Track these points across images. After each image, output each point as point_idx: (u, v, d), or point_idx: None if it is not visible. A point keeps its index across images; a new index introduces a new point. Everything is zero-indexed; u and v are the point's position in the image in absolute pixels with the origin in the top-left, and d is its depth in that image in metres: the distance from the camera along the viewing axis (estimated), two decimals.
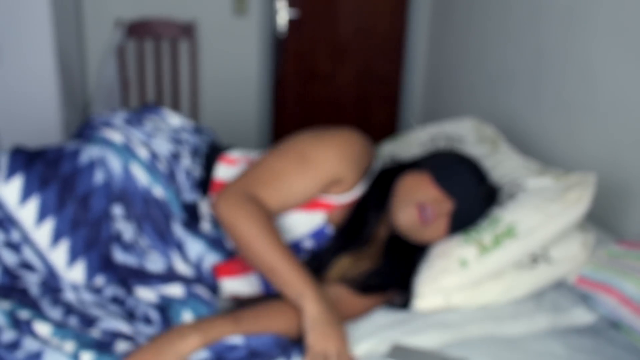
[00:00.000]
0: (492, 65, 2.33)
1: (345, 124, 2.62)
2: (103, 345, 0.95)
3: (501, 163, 1.36)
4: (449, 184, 1.14)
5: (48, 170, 1.09)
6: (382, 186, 1.20)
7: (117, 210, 1.11)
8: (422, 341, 1.04)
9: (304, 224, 1.18)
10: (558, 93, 1.81)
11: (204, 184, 1.21)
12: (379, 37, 3.31)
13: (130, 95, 2.98)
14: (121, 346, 0.96)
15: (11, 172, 1.08)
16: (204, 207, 1.18)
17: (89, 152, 1.14)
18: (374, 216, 1.19)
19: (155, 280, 1.08)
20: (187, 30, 2.91)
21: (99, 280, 1.08)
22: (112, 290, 1.08)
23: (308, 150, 1.14)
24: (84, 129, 1.24)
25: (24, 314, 0.97)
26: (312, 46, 3.31)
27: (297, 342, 1.03)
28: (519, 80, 2.08)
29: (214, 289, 1.14)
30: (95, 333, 0.97)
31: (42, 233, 1.06)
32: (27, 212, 1.06)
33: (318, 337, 0.99)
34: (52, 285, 1.06)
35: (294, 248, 1.20)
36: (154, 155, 1.17)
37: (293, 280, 1.03)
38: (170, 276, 1.10)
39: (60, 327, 0.96)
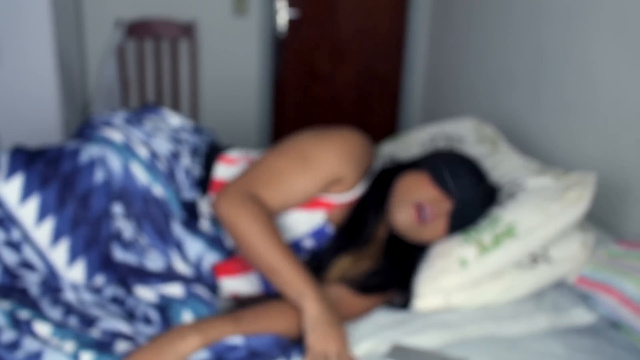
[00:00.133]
0: (492, 65, 2.33)
1: (345, 124, 2.62)
2: (103, 345, 0.95)
3: (501, 163, 1.36)
4: (447, 184, 1.14)
5: (48, 169, 1.09)
6: (381, 186, 1.20)
7: (117, 208, 1.11)
8: (422, 341, 1.04)
9: (304, 223, 1.19)
10: (558, 93, 1.81)
11: (204, 183, 1.21)
12: (379, 37, 3.31)
13: (130, 95, 2.98)
14: (121, 346, 0.96)
15: (11, 171, 1.08)
16: (204, 206, 1.18)
17: (89, 151, 1.14)
18: (373, 216, 1.19)
19: (154, 279, 1.08)
20: (187, 30, 2.91)
21: (99, 279, 1.08)
22: (112, 290, 1.08)
23: (309, 150, 1.14)
24: (84, 128, 1.24)
25: (24, 314, 0.97)
26: (312, 46, 3.31)
27: (297, 342, 1.03)
28: (519, 80, 2.08)
29: (213, 288, 1.14)
30: (95, 333, 0.97)
31: (42, 232, 1.06)
32: (27, 211, 1.06)
33: (318, 337, 0.99)
34: (52, 285, 1.06)
35: (294, 247, 1.20)
36: (154, 155, 1.17)
37: (293, 280, 1.02)
38: (169, 275, 1.10)
39: (60, 327, 0.96)
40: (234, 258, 1.17)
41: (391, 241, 1.21)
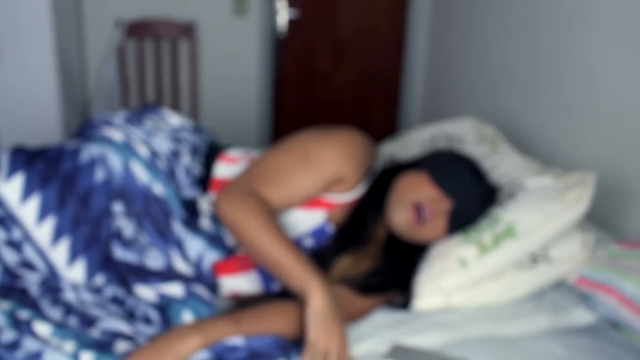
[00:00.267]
0: (492, 65, 2.33)
1: (345, 124, 2.62)
2: (103, 345, 0.95)
3: (501, 163, 1.36)
4: (446, 183, 1.14)
5: (49, 168, 1.09)
6: (381, 186, 1.20)
7: (118, 207, 1.11)
8: (422, 341, 1.04)
9: (304, 222, 1.19)
10: (558, 93, 1.81)
11: (204, 182, 1.21)
12: (379, 37, 3.31)
13: (130, 95, 2.98)
14: (121, 346, 0.96)
15: (12, 170, 1.08)
16: (204, 204, 1.18)
17: (90, 151, 1.14)
18: (373, 216, 1.19)
19: (154, 278, 1.08)
20: (187, 30, 2.91)
21: (99, 279, 1.08)
22: (112, 290, 1.08)
23: (311, 149, 1.14)
24: (85, 128, 1.24)
25: (24, 314, 0.97)
26: (312, 46, 3.31)
27: (297, 342, 1.03)
28: (519, 80, 2.08)
29: (213, 287, 1.14)
30: (95, 333, 0.97)
31: (42, 231, 1.06)
32: (28, 211, 1.06)
33: (320, 333, 0.98)
34: (52, 284, 1.06)
35: None
36: (154, 153, 1.18)
37: (298, 272, 1.02)
38: (169, 274, 1.10)
39: (60, 327, 0.96)
40: (235, 256, 1.17)
41: (391, 241, 1.22)
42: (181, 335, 0.95)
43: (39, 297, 1.03)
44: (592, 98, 1.63)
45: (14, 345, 0.92)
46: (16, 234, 1.06)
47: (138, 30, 2.87)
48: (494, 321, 1.11)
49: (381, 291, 1.16)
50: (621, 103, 1.51)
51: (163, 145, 1.20)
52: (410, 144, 1.55)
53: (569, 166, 1.70)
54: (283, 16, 3.21)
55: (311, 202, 1.17)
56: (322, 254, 1.18)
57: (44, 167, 1.09)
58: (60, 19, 2.51)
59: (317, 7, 3.23)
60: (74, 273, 1.07)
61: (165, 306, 1.05)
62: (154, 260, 1.10)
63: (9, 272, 1.05)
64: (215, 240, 1.15)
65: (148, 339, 0.99)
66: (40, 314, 0.99)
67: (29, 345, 0.93)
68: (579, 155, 1.69)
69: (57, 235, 1.07)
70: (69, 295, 1.05)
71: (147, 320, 1.03)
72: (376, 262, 1.20)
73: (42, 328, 0.95)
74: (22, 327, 0.95)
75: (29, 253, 1.06)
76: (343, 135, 1.16)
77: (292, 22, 3.24)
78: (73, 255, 1.07)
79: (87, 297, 1.05)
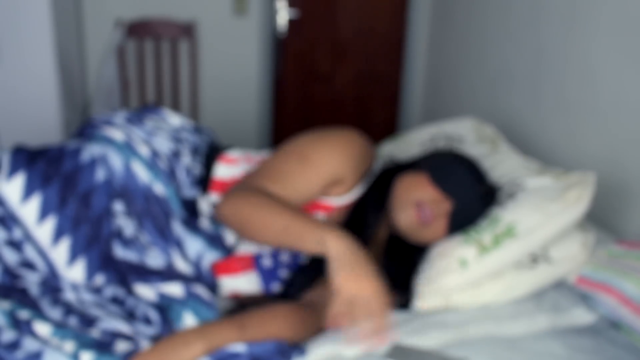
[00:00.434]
0: (492, 65, 2.33)
1: (345, 124, 2.61)
2: (103, 345, 0.95)
3: (501, 163, 1.36)
4: (446, 184, 1.14)
5: (50, 168, 1.09)
6: (381, 187, 1.20)
7: (118, 206, 1.11)
8: (422, 341, 1.04)
9: None
10: (558, 93, 1.81)
11: (204, 182, 1.21)
12: (379, 37, 3.31)
13: (130, 95, 2.98)
14: (121, 346, 0.96)
15: (13, 170, 1.08)
16: (204, 204, 1.18)
17: (90, 150, 1.14)
18: (373, 217, 1.19)
19: (155, 277, 1.08)
20: (187, 30, 2.91)
21: (99, 279, 1.08)
22: (112, 290, 1.08)
23: (309, 150, 1.14)
24: (85, 128, 1.24)
25: (24, 314, 0.97)
26: (312, 46, 3.31)
27: (297, 343, 1.03)
28: (519, 80, 2.08)
29: (213, 287, 1.14)
30: (95, 333, 0.97)
31: (43, 231, 1.06)
32: (29, 210, 1.06)
33: (346, 279, 0.90)
34: (52, 284, 1.06)
35: (292, 250, 1.19)
36: (155, 153, 1.18)
37: (308, 229, 0.99)
38: (170, 274, 1.10)
39: (60, 327, 0.96)
40: (234, 257, 1.17)
41: (392, 242, 1.21)
42: (185, 341, 0.95)
43: (39, 297, 1.03)
44: (592, 98, 1.63)
45: (14, 345, 0.93)
46: (17, 234, 1.06)
47: (138, 30, 2.87)
48: (494, 321, 1.11)
49: None
50: (621, 103, 1.51)
51: (164, 145, 1.20)
52: (410, 144, 1.55)
53: (569, 166, 1.70)
54: (283, 16, 3.21)
55: (309, 205, 1.17)
56: (322, 257, 1.18)
57: (45, 166, 1.09)
58: (60, 19, 2.51)
59: (317, 7, 3.24)
60: (74, 273, 1.07)
61: (165, 307, 1.05)
62: (155, 259, 1.10)
63: (9, 272, 1.05)
64: (214, 240, 1.15)
65: (148, 339, 0.99)
66: (40, 314, 0.99)
67: (29, 345, 0.93)
68: (579, 155, 1.69)
69: (58, 235, 1.07)
70: (69, 295, 1.05)
71: (147, 321, 1.03)
72: (376, 263, 1.20)
73: (42, 328, 0.95)
74: (22, 327, 0.95)
75: (30, 253, 1.06)
76: (341, 136, 1.16)
77: (292, 22, 3.24)
78: (73, 255, 1.07)
79: (87, 297, 1.05)
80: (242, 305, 1.16)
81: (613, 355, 1.03)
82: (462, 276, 1.13)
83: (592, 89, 1.63)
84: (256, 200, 1.04)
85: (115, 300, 1.07)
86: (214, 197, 1.19)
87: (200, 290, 1.09)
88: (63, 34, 2.56)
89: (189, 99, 3.03)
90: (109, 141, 1.16)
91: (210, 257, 1.14)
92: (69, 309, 1.01)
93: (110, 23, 2.91)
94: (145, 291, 1.08)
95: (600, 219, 1.53)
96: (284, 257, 1.17)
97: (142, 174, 1.14)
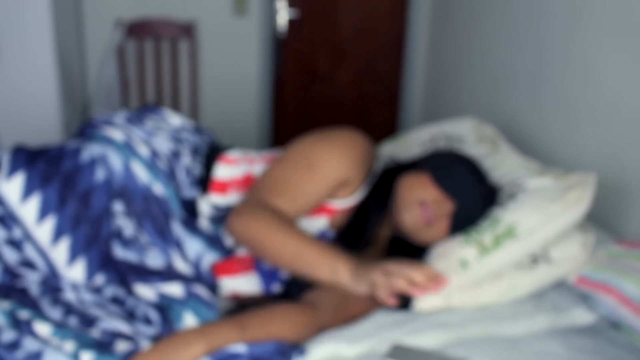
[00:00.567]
0: (492, 65, 2.33)
1: (345, 124, 2.61)
2: (103, 345, 0.95)
3: (501, 163, 1.36)
4: (448, 185, 1.14)
5: (49, 168, 1.09)
6: (383, 187, 1.20)
7: (118, 206, 1.11)
8: (422, 341, 1.04)
9: (306, 228, 1.18)
10: (558, 93, 1.81)
11: (204, 182, 1.21)
12: (379, 37, 3.31)
13: (130, 95, 2.98)
14: (121, 346, 0.96)
15: (13, 169, 1.08)
16: (203, 205, 1.18)
17: (90, 150, 1.14)
18: (375, 217, 1.19)
19: (154, 277, 1.08)
20: (187, 30, 2.91)
21: (99, 279, 1.08)
22: (112, 290, 1.08)
23: (314, 155, 1.13)
24: (85, 128, 1.24)
25: (24, 314, 0.97)
26: (312, 46, 3.31)
27: (297, 344, 1.03)
28: (519, 80, 2.08)
29: (213, 288, 1.14)
30: (95, 333, 0.97)
31: (43, 231, 1.06)
32: (28, 210, 1.06)
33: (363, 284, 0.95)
34: (52, 284, 1.06)
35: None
36: (155, 153, 1.17)
37: (320, 258, 0.99)
38: (169, 274, 1.10)
39: (60, 327, 0.96)
40: (234, 257, 1.17)
41: (393, 243, 1.21)
42: (185, 341, 0.95)
43: (39, 297, 1.03)
44: (592, 98, 1.63)
45: (14, 345, 0.93)
46: (16, 233, 1.06)
47: (138, 30, 2.87)
48: (494, 321, 1.11)
49: None
50: (621, 103, 1.51)
51: (164, 145, 1.20)
52: (410, 144, 1.55)
53: (569, 166, 1.70)
54: (283, 16, 3.21)
55: (314, 209, 1.17)
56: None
57: (45, 166, 1.09)
58: (60, 19, 2.51)
59: (317, 7, 3.23)
60: (74, 272, 1.07)
61: (165, 307, 1.05)
62: (154, 259, 1.10)
63: (9, 272, 1.05)
64: (214, 241, 1.15)
65: (148, 339, 0.99)
66: (40, 314, 0.99)
67: (29, 345, 0.93)
68: (579, 155, 1.69)
69: (58, 235, 1.07)
70: (69, 295, 1.05)
71: (147, 321, 1.03)
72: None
73: (42, 328, 0.95)
74: (22, 327, 0.95)
75: (30, 252, 1.06)
76: (344, 138, 1.16)
77: (292, 22, 3.24)
78: (73, 255, 1.07)
79: (87, 297, 1.05)
80: (242, 305, 1.16)
81: (613, 355, 1.03)
82: (463, 276, 1.13)
83: (592, 89, 1.63)
84: (267, 223, 1.03)
85: (116, 300, 1.07)
86: (213, 197, 1.19)
87: (201, 290, 1.09)
88: (63, 34, 2.56)
89: (189, 99, 3.03)
90: (109, 141, 1.16)
91: (209, 257, 1.14)
92: (69, 309, 1.01)
93: (110, 23, 2.91)
94: (145, 291, 1.07)
95: (600, 219, 1.53)
96: None
97: (141, 174, 1.14)
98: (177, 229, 1.13)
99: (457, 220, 1.15)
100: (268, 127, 3.34)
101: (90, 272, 1.08)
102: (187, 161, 1.21)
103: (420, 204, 1.14)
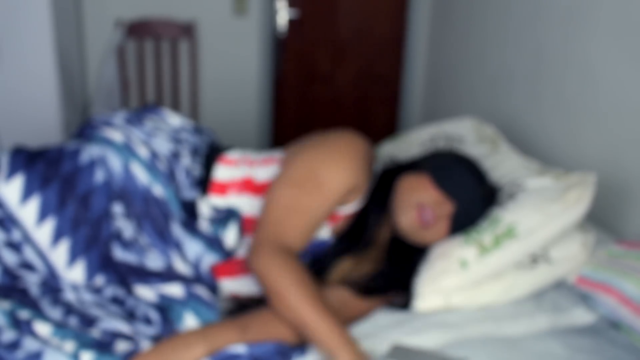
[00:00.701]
0: (492, 66, 2.33)
1: (345, 125, 2.60)
2: (103, 345, 0.95)
3: (501, 163, 1.36)
4: (448, 186, 1.14)
5: (49, 169, 1.09)
6: (382, 188, 1.20)
7: (117, 208, 1.11)
8: (422, 341, 1.04)
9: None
10: (558, 93, 1.81)
11: (204, 183, 1.21)
12: (379, 38, 3.31)
13: (130, 96, 2.98)
14: (121, 346, 0.96)
15: (12, 171, 1.08)
16: (203, 206, 1.18)
17: (90, 152, 1.14)
18: (374, 219, 1.19)
19: (154, 278, 1.08)
20: (187, 30, 2.91)
21: (99, 280, 1.08)
22: (112, 290, 1.08)
23: (320, 172, 1.11)
24: (85, 128, 1.24)
25: (24, 314, 0.97)
26: (312, 46, 3.31)
27: (298, 344, 1.03)
28: (519, 80, 2.08)
29: (213, 289, 1.14)
30: (95, 333, 0.97)
31: (42, 232, 1.06)
32: (27, 212, 1.06)
33: None
34: (52, 285, 1.06)
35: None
36: (154, 155, 1.17)
37: (327, 337, 0.96)
38: (169, 275, 1.10)
39: (60, 327, 0.96)
40: (234, 259, 1.17)
41: (393, 243, 1.21)
42: (186, 343, 0.95)
43: (39, 297, 1.03)
44: (592, 98, 1.63)
45: (14, 345, 0.93)
46: (16, 235, 1.06)
47: (138, 30, 2.87)
48: (494, 321, 1.11)
49: (382, 293, 1.16)
50: (621, 103, 1.51)
51: (163, 146, 1.20)
52: (410, 144, 1.55)
53: (569, 166, 1.70)
54: (283, 16, 3.21)
55: None
56: (323, 258, 1.18)
57: (44, 168, 1.09)
58: (60, 19, 2.51)
59: (317, 7, 3.24)
60: (74, 274, 1.07)
61: (166, 307, 1.05)
62: (154, 261, 1.10)
63: (9, 273, 1.05)
64: (213, 242, 1.14)
65: (148, 339, 0.99)
66: (41, 314, 0.99)
67: (29, 345, 0.93)
68: (579, 155, 1.69)
69: (57, 236, 1.07)
70: (69, 296, 1.05)
71: (147, 321, 1.03)
72: (377, 265, 1.20)
73: (42, 328, 0.95)
74: (22, 327, 0.95)
75: (29, 254, 1.06)
76: (346, 145, 1.14)
77: (292, 22, 3.24)
78: (73, 256, 1.07)
79: (87, 297, 1.05)
80: (242, 305, 1.16)
81: (613, 355, 1.03)
82: (463, 277, 1.13)
83: (592, 89, 1.63)
84: (289, 279, 1.01)
85: (116, 301, 1.07)
86: (213, 199, 1.19)
87: (201, 290, 1.09)
88: (63, 34, 2.56)
89: (189, 99, 3.03)
90: (108, 142, 1.16)
91: (209, 259, 1.14)
92: (69, 309, 1.01)
93: (110, 23, 2.91)
94: (146, 292, 1.07)
95: (600, 219, 1.53)
96: None
97: (141, 175, 1.14)
98: (177, 230, 1.13)
99: (457, 221, 1.15)
100: (268, 127, 3.34)
101: (90, 274, 1.08)
102: (187, 162, 1.21)
103: (417, 206, 1.13)
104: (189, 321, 1.02)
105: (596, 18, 1.62)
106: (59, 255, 1.07)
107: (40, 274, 1.07)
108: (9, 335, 0.94)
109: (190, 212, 1.17)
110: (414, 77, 3.27)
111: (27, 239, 1.06)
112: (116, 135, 1.18)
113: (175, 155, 1.20)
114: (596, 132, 1.61)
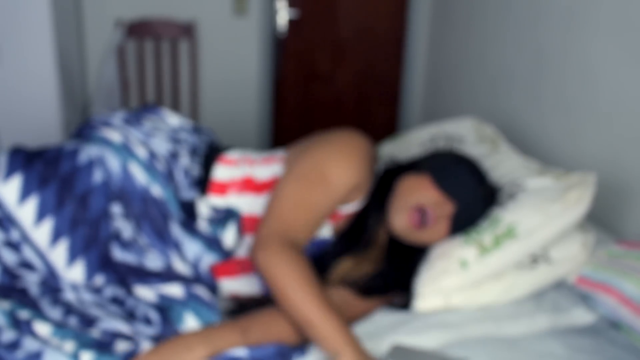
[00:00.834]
0: (492, 65, 2.33)
1: (345, 124, 2.60)
2: (103, 345, 0.95)
3: (501, 163, 1.36)
4: (449, 186, 1.13)
5: (47, 169, 1.09)
6: (382, 188, 1.20)
7: (116, 208, 1.11)
8: (422, 341, 1.04)
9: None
10: (558, 93, 1.81)
11: (203, 183, 1.21)
12: (379, 37, 3.31)
13: (130, 95, 2.98)
14: (121, 346, 0.96)
15: (10, 171, 1.08)
16: (202, 206, 1.17)
17: (88, 152, 1.14)
18: (374, 219, 1.19)
19: (154, 279, 1.08)
20: (187, 30, 2.91)
21: (99, 279, 1.08)
22: (111, 290, 1.08)
23: (326, 169, 1.11)
24: (83, 128, 1.24)
25: (24, 314, 0.97)
26: (312, 46, 3.31)
27: (299, 345, 1.03)
28: (519, 80, 2.08)
29: (212, 289, 1.14)
30: (95, 333, 0.97)
31: (41, 232, 1.06)
32: (26, 212, 1.06)
33: None
34: (52, 285, 1.06)
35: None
36: (153, 155, 1.17)
37: (330, 336, 0.96)
38: (169, 275, 1.10)
39: (60, 327, 0.96)
40: (234, 259, 1.17)
41: (393, 244, 1.21)
42: (187, 345, 0.95)
43: (38, 297, 1.03)
44: (592, 98, 1.63)
45: (14, 345, 0.93)
46: (14, 235, 1.06)
47: (138, 30, 2.87)
48: (494, 321, 1.11)
49: (382, 293, 1.16)
50: (621, 103, 1.51)
51: (162, 146, 1.20)
52: (410, 144, 1.55)
53: (569, 166, 1.70)
54: (283, 16, 3.21)
55: None
56: (323, 258, 1.18)
57: (42, 168, 1.09)
58: (60, 19, 2.51)
59: (317, 7, 3.24)
60: (74, 273, 1.07)
61: (166, 307, 1.05)
62: (153, 261, 1.10)
63: (9, 272, 1.05)
64: (212, 243, 1.14)
65: (148, 340, 0.98)
66: (40, 314, 0.99)
67: (29, 345, 0.93)
68: (579, 155, 1.69)
69: (56, 236, 1.06)
70: (69, 295, 1.05)
71: (147, 321, 1.03)
72: (377, 265, 1.20)
73: (42, 328, 0.95)
74: (22, 327, 0.95)
75: (28, 254, 1.06)
76: (351, 143, 1.14)
77: (292, 22, 3.24)
78: (72, 256, 1.07)
79: (87, 297, 1.05)
80: (242, 305, 1.16)
81: (613, 355, 1.02)
82: (463, 277, 1.13)
83: (592, 88, 1.63)
84: (294, 274, 1.00)
85: (115, 301, 1.06)
86: (212, 199, 1.19)
87: (201, 291, 1.09)
88: (63, 34, 2.56)
89: (189, 99, 3.03)
90: (107, 143, 1.16)
91: (208, 259, 1.13)
92: (69, 309, 1.01)
93: (110, 23, 2.91)
94: (145, 292, 1.07)
95: (600, 219, 1.53)
96: None
97: (139, 175, 1.14)
98: (176, 230, 1.13)
99: (457, 221, 1.15)
100: (268, 127, 3.34)
101: (90, 274, 1.08)
102: (186, 162, 1.21)
103: (417, 207, 1.13)
104: (190, 322, 1.02)
105: (596, 18, 1.62)
106: (58, 255, 1.07)
107: (40, 273, 1.06)
108: (9, 335, 0.94)
109: (189, 212, 1.17)
110: (414, 77, 3.27)
111: (26, 238, 1.06)
112: (114, 136, 1.18)
113: (173, 156, 1.20)
114: (596, 132, 1.61)
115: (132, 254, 1.10)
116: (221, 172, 1.22)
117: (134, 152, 1.16)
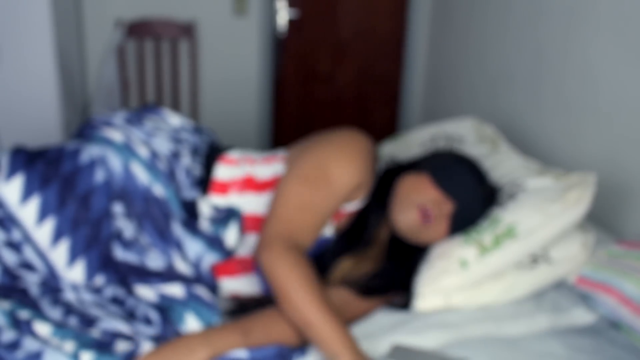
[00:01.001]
0: (492, 65, 2.33)
1: (345, 125, 2.60)
2: (103, 345, 0.95)
3: (501, 163, 1.36)
4: (449, 186, 1.14)
5: (49, 169, 1.09)
6: (383, 188, 1.20)
7: (118, 208, 1.11)
8: (422, 341, 1.04)
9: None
10: (558, 93, 1.81)
11: (204, 183, 1.21)
12: (379, 38, 3.31)
13: (130, 95, 2.98)
14: (121, 346, 0.96)
15: (12, 171, 1.08)
16: (203, 206, 1.17)
17: (90, 151, 1.14)
18: (375, 218, 1.19)
19: (155, 278, 1.08)
20: (187, 30, 2.91)
21: (99, 280, 1.08)
22: (112, 290, 1.08)
23: (328, 169, 1.12)
24: (85, 128, 1.24)
25: (24, 314, 0.97)
26: (312, 46, 3.31)
27: (299, 345, 1.03)
28: (519, 80, 2.08)
29: (213, 289, 1.14)
30: (95, 333, 0.97)
31: (42, 232, 1.06)
32: (27, 212, 1.06)
33: None
34: (52, 285, 1.06)
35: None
36: (154, 154, 1.17)
37: (330, 339, 0.96)
38: (170, 275, 1.10)
39: (60, 327, 0.96)
40: (234, 259, 1.17)
41: (393, 243, 1.21)
42: (188, 347, 0.95)
43: (39, 297, 1.03)
44: (592, 98, 1.63)
45: (14, 345, 0.93)
46: (16, 235, 1.06)
47: (138, 30, 2.87)
48: (494, 321, 1.11)
49: (382, 293, 1.16)
50: (621, 103, 1.51)
51: (163, 146, 1.20)
52: (410, 144, 1.55)
53: (569, 166, 1.70)
54: (283, 16, 3.21)
55: None
56: (323, 257, 1.18)
57: (44, 167, 1.09)
58: (60, 19, 2.51)
59: (317, 7, 3.24)
60: (74, 274, 1.07)
61: (166, 307, 1.05)
62: (155, 260, 1.10)
63: (9, 273, 1.05)
64: (214, 242, 1.14)
65: (148, 339, 0.98)
66: (40, 314, 0.99)
67: (29, 345, 0.93)
68: (579, 155, 1.69)
69: (57, 236, 1.06)
70: (69, 296, 1.05)
71: (147, 321, 1.03)
72: (377, 264, 1.20)
73: (42, 328, 0.95)
74: (22, 327, 0.95)
75: (29, 254, 1.06)
76: (353, 142, 1.15)
77: (292, 22, 3.24)
78: (73, 256, 1.07)
79: (87, 297, 1.05)
80: (242, 305, 1.16)
81: (613, 355, 1.03)
82: (463, 276, 1.13)
83: (592, 88, 1.63)
84: (297, 277, 1.00)
85: (116, 301, 1.06)
86: (214, 198, 1.19)
87: (201, 291, 1.09)
88: (63, 34, 2.56)
89: (189, 99, 3.03)
90: (108, 142, 1.16)
91: (209, 258, 1.14)
92: (69, 309, 1.01)
93: (110, 23, 2.91)
94: (146, 292, 1.07)
95: (600, 219, 1.53)
96: None
97: (141, 175, 1.14)
98: (178, 230, 1.13)
99: (457, 221, 1.15)
100: (268, 127, 3.34)
101: (90, 274, 1.08)
102: (187, 162, 1.21)
103: (418, 206, 1.13)
104: (190, 322, 1.02)
105: (596, 18, 1.62)
106: (59, 255, 1.07)
107: (40, 273, 1.06)
108: (9, 335, 0.94)
109: (190, 211, 1.17)
110: (414, 77, 3.27)
111: (27, 238, 1.06)
112: (116, 135, 1.18)
113: (175, 155, 1.20)
114: (596, 132, 1.61)
115: (133, 253, 1.10)
116: (222, 171, 1.22)
117: (136, 152, 1.16)
